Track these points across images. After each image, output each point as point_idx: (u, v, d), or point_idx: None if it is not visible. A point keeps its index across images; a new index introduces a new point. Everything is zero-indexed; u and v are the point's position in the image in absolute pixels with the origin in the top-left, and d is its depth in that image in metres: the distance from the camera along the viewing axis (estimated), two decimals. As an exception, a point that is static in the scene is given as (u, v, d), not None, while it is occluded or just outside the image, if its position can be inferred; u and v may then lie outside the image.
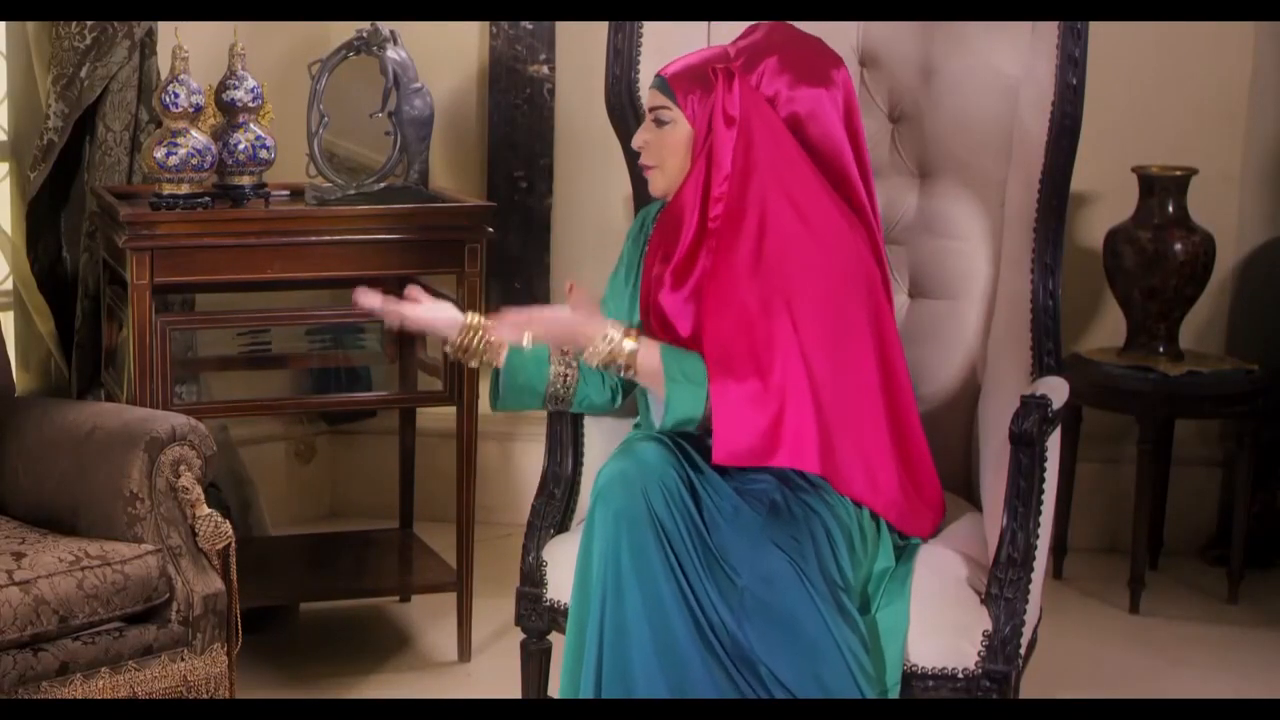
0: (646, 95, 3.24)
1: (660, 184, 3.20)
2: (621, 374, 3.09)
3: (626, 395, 3.35)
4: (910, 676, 3.07)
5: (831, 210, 3.13)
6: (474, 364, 3.24)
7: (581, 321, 3.08)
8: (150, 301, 3.75)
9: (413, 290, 3.25)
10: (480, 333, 3.18)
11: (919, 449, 3.22)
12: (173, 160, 3.78)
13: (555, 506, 3.40)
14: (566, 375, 3.28)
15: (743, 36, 3.23)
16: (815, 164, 3.16)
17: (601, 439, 3.41)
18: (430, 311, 3.21)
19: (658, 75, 3.20)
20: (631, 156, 3.69)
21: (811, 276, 3.08)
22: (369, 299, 3.20)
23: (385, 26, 4.00)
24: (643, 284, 3.25)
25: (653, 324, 3.19)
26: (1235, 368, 4.61)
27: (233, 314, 4.12)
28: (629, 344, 3.07)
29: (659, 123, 3.17)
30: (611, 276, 3.38)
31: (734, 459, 3.02)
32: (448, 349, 3.23)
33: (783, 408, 3.02)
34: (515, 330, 3.08)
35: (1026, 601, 3.11)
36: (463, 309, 3.26)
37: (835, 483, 3.07)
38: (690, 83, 3.14)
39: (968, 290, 3.51)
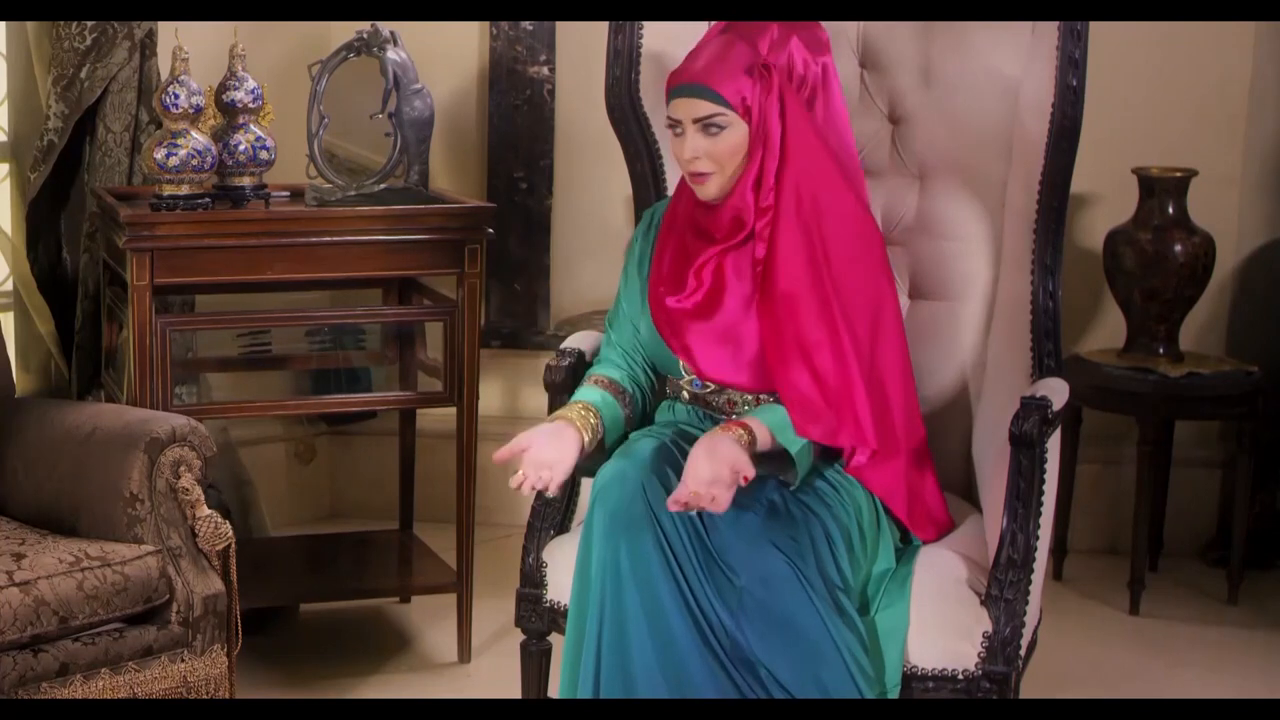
0: (676, 105, 3.13)
1: (717, 186, 3.15)
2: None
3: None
4: (910, 678, 3.08)
5: (852, 199, 3.17)
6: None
7: (724, 468, 2.95)
8: (150, 302, 3.75)
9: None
10: (590, 429, 3.14)
11: (922, 443, 3.23)
12: (173, 161, 3.78)
13: (555, 507, 3.40)
14: (630, 419, 3.25)
15: (731, 26, 3.21)
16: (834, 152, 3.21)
17: (601, 440, 3.41)
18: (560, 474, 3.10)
19: (693, 84, 3.11)
20: (631, 158, 3.69)
21: (852, 265, 3.12)
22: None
23: (385, 27, 4.00)
24: (651, 275, 3.26)
25: (661, 297, 3.22)
26: (1235, 369, 4.61)
27: (233, 315, 4.12)
28: (743, 435, 3.00)
29: (713, 128, 3.11)
30: (623, 279, 3.38)
31: (810, 436, 3.05)
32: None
33: (839, 391, 3.07)
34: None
35: (1026, 603, 3.11)
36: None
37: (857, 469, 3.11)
38: (735, 80, 3.09)
39: (968, 291, 3.51)
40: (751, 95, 3.09)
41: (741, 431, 3.00)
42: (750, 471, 2.93)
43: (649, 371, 3.31)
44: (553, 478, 3.04)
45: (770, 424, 3.04)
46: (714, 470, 2.91)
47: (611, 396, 3.22)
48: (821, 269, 3.10)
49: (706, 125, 3.10)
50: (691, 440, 3.09)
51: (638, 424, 3.29)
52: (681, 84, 3.13)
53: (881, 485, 3.15)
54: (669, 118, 3.17)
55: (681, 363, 3.21)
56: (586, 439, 3.12)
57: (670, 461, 3.02)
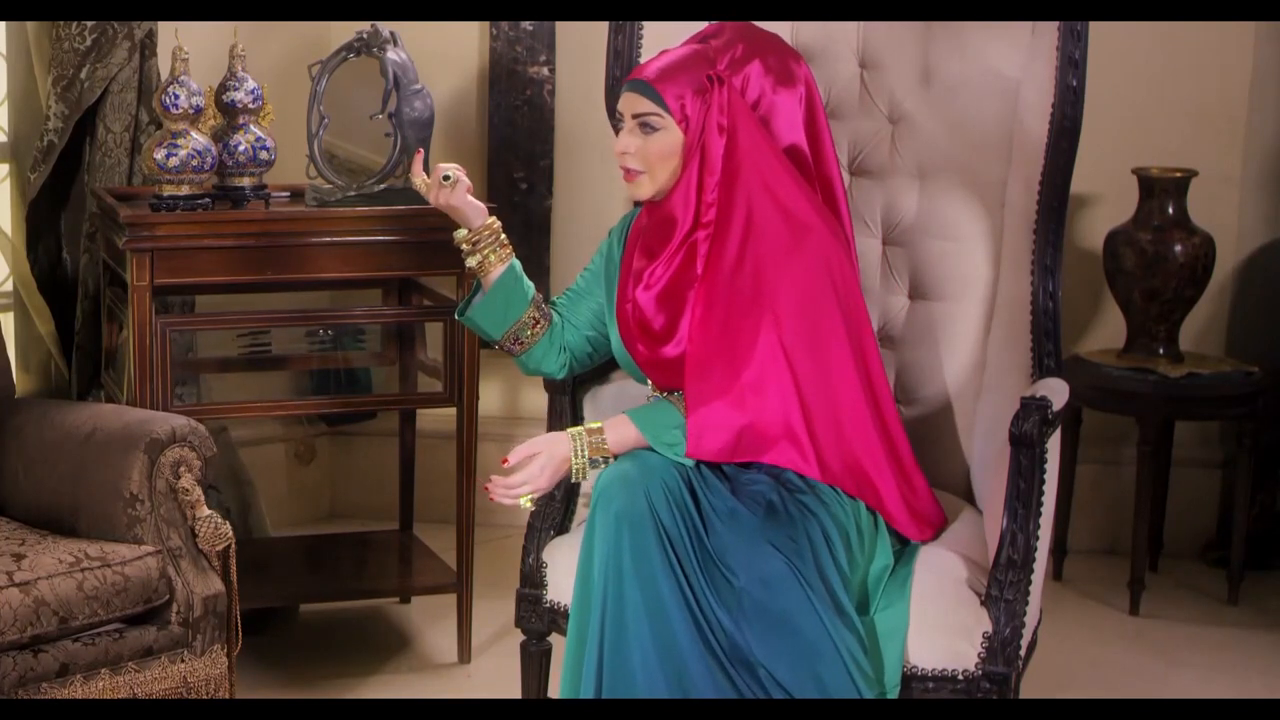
0: (622, 99, 3.18)
1: (647, 189, 3.18)
2: (609, 461, 3.10)
3: (574, 370, 3.38)
4: (910, 678, 3.08)
5: (811, 213, 3.14)
6: (473, 261, 3.25)
7: (551, 456, 3.08)
8: (150, 303, 3.75)
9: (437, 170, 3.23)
10: (497, 233, 3.24)
11: (907, 451, 3.22)
12: (173, 161, 3.78)
13: (555, 508, 3.40)
14: (537, 321, 3.30)
15: (712, 36, 3.21)
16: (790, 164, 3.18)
17: (601, 440, 3.41)
18: (463, 199, 3.22)
19: (638, 80, 3.15)
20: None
21: (795, 280, 3.09)
22: (418, 167, 3.24)
23: (385, 28, 4.00)
24: (620, 278, 3.27)
25: (628, 316, 3.22)
26: (1235, 369, 4.61)
27: (233, 315, 4.12)
28: (598, 439, 3.09)
29: (647, 128, 3.14)
30: (587, 272, 3.39)
31: (706, 456, 3.05)
32: (459, 235, 3.25)
33: (767, 409, 3.05)
34: (513, 498, 3.09)
35: (1026, 603, 3.11)
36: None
37: (830, 481, 3.08)
38: (680, 87, 3.12)
39: (968, 292, 3.51)
40: (692, 105, 3.11)
41: (602, 444, 3.09)
42: (509, 457, 3.08)
43: (585, 347, 3.36)
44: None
45: (642, 424, 3.08)
46: (552, 479, 3.10)
47: (541, 307, 3.31)
48: (766, 290, 3.08)
49: (642, 123, 3.14)
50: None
51: (553, 374, 3.36)
52: (631, 80, 3.18)
53: (875, 502, 3.15)
54: (616, 111, 3.22)
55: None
56: (499, 270, 3.25)
57: (674, 462, 3.03)
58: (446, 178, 3.20)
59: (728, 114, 3.11)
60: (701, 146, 3.12)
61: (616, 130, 3.62)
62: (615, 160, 3.75)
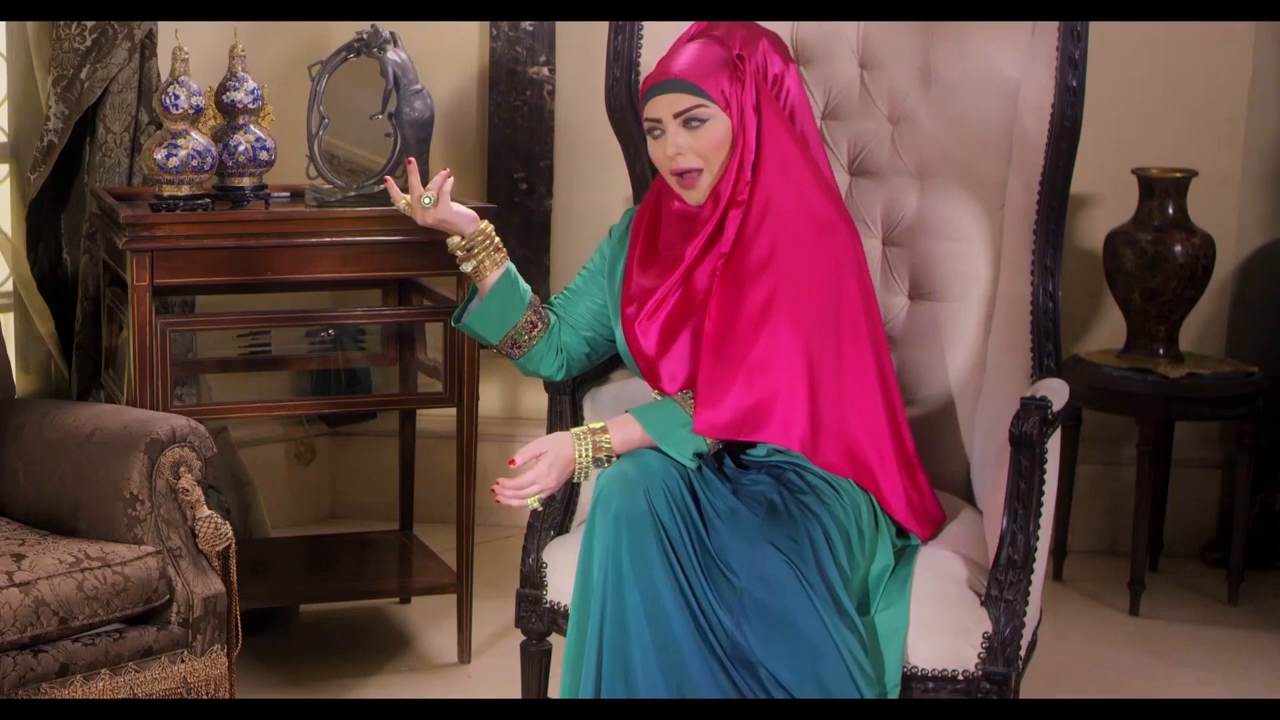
0: (655, 104, 3.13)
1: (706, 186, 3.15)
2: (612, 460, 3.09)
3: (571, 372, 3.37)
4: (910, 678, 3.08)
5: (827, 200, 3.16)
6: (468, 267, 3.24)
7: (558, 455, 3.07)
8: (150, 303, 3.75)
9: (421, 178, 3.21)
10: (490, 238, 3.23)
11: (912, 445, 3.22)
12: (173, 162, 3.78)
13: (555, 508, 3.40)
14: (535, 325, 3.29)
15: (703, 33, 3.19)
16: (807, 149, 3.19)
17: (601, 440, 3.41)
18: (449, 212, 3.20)
19: (673, 80, 3.12)
20: (631, 158, 3.69)
21: (815, 269, 3.10)
22: (397, 192, 3.21)
23: (385, 28, 4.00)
24: (623, 294, 3.26)
25: (631, 312, 3.23)
26: (1235, 370, 4.61)
27: (233, 315, 4.12)
28: (602, 439, 3.08)
29: (695, 122, 3.11)
30: (585, 272, 3.38)
31: (714, 431, 3.05)
32: (452, 243, 3.23)
33: (773, 388, 3.05)
34: (522, 498, 3.08)
35: (1026, 603, 3.11)
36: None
37: (832, 469, 3.09)
38: (715, 75, 3.11)
39: (967, 292, 3.51)
40: (730, 89, 3.11)
41: (607, 444, 3.08)
42: (516, 458, 3.07)
43: (583, 348, 3.35)
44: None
45: (648, 422, 3.07)
46: (561, 476, 3.09)
47: (538, 310, 3.30)
48: (780, 268, 3.09)
49: (688, 119, 3.11)
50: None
51: (551, 375, 3.34)
52: (659, 82, 3.14)
53: (873, 488, 3.15)
54: (647, 119, 3.16)
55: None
56: (494, 275, 3.24)
57: (674, 463, 3.03)
58: (426, 200, 3.18)
59: (756, 93, 3.12)
60: (743, 127, 3.12)
61: (623, 141, 3.63)
62: (615, 161, 3.77)
